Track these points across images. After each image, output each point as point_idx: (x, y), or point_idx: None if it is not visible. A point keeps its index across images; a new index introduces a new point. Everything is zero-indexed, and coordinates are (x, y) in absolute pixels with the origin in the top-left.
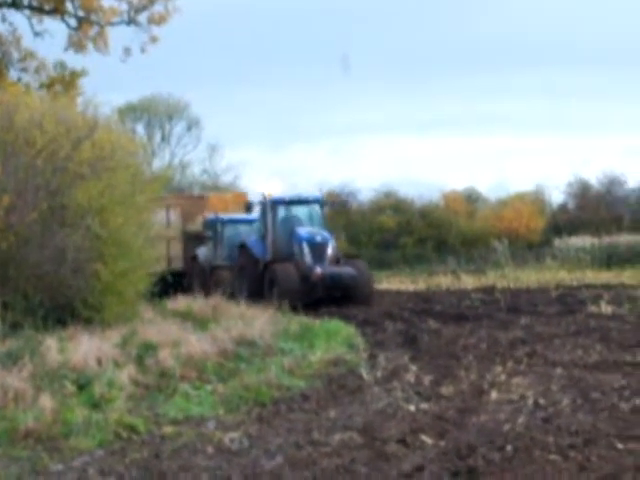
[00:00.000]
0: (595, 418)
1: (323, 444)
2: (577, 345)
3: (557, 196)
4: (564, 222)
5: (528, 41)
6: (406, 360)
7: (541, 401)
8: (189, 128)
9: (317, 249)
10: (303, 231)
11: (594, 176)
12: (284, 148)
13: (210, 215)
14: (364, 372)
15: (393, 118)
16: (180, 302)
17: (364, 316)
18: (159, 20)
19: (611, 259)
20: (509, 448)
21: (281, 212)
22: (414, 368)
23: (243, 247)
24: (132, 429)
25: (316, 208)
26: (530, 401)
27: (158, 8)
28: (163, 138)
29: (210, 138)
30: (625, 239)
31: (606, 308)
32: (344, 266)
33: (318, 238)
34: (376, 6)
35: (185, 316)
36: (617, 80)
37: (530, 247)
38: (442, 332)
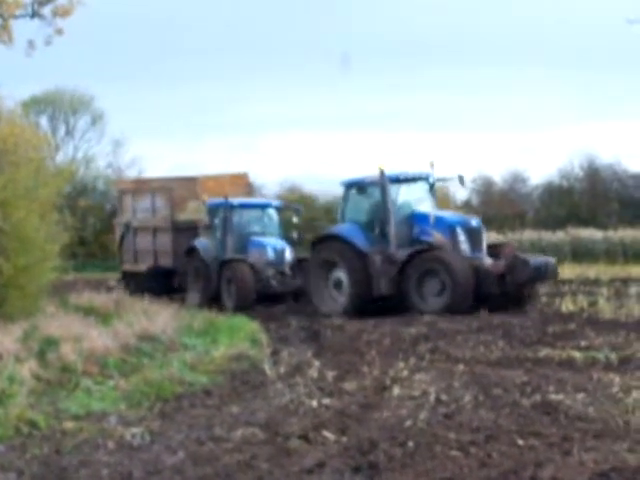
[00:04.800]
0: (496, 414)
1: (225, 440)
2: (479, 341)
3: (461, 193)
4: None
5: (435, 37)
6: (309, 356)
7: (443, 397)
8: (93, 122)
9: (474, 235)
10: (447, 214)
11: (497, 173)
12: (188, 142)
13: (213, 199)
14: (267, 368)
15: (294, 113)
16: (83, 296)
17: (268, 312)
18: (63, 13)
19: None
20: (410, 444)
21: (395, 192)
22: (317, 364)
23: (332, 238)
24: (33, 424)
25: (426, 187)
26: (432, 397)
27: (62, 1)
28: (67, 132)
29: (114, 132)
30: (528, 235)
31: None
32: (534, 255)
33: (473, 222)
34: None
35: (88, 311)
36: (513, 78)
37: None
38: (346, 328)
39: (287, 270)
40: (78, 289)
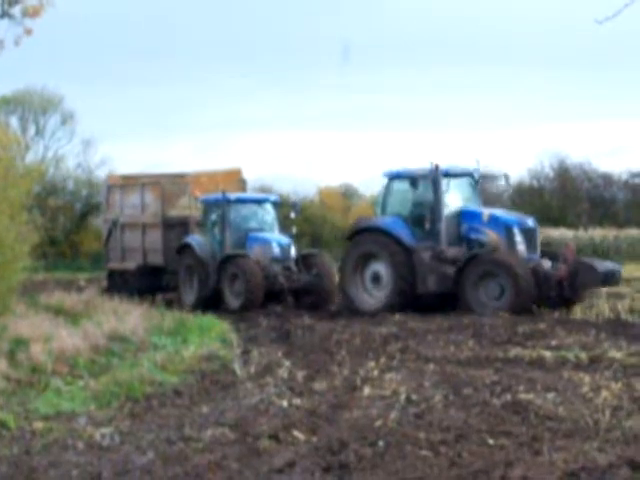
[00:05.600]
0: (467, 414)
1: (195, 440)
2: (450, 341)
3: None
4: None
5: (403, 38)
6: (279, 356)
7: (413, 397)
8: (63, 122)
9: (530, 236)
10: (501, 213)
11: None
12: (157, 143)
13: (208, 195)
14: (237, 368)
15: (266, 113)
16: (54, 296)
17: (238, 311)
18: (33, 13)
19: None
20: (381, 444)
21: (444, 187)
22: (287, 364)
23: (373, 230)
24: (2, 425)
25: (472, 183)
26: (402, 397)
27: (32, 1)
28: (37, 132)
29: (84, 132)
30: None
31: None
32: (598, 260)
33: (529, 223)
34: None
35: (58, 311)
36: (484, 77)
37: None
38: (316, 327)
39: (293, 266)
40: (48, 289)
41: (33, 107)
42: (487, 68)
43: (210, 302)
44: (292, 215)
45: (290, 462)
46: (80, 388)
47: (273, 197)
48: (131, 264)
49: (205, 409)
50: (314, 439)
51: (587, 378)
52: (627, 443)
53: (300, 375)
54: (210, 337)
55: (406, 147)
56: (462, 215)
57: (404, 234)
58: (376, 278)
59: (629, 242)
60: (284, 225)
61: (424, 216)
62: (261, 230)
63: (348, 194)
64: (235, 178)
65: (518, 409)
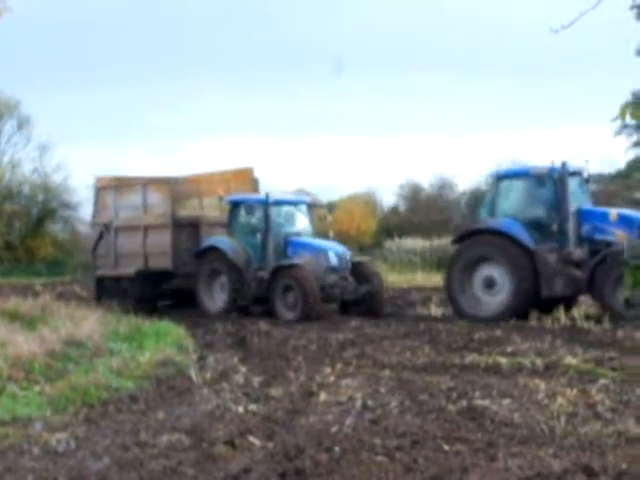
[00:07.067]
0: (422, 420)
1: (151, 446)
2: (406, 347)
3: (389, 198)
4: (395, 224)
5: (364, 43)
6: (236, 361)
7: (369, 403)
8: (19, 127)
9: None
10: (631, 212)
11: (426, 178)
12: (112, 147)
13: (239, 195)
14: (193, 373)
15: (223, 119)
16: (9, 301)
17: (194, 317)
18: None
19: (441, 261)
20: (337, 449)
21: (566, 186)
22: (243, 369)
23: (485, 232)
24: None
25: (582, 183)
26: (358, 403)
27: None
28: None
29: (41, 137)
30: None
31: (435, 310)
32: None
33: None
34: (209, 5)
35: (13, 316)
36: (441, 83)
37: (361, 249)
38: (272, 333)
39: (349, 276)
40: (3, 294)
41: None
42: (446, 74)
43: (245, 310)
44: (330, 218)
45: (246, 468)
46: (36, 393)
47: (306, 198)
48: (128, 270)
49: (161, 415)
50: (270, 445)
51: (543, 384)
52: (582, 449)
53: (256, 381)
54: (166, 343)
55: (361, 153)
56: (581, 215)
57: (523, 235)
58: (489, 283)
59: None
60: (320, 228)
61: (545, 216)
62: (298, 235)
63: None
64: (247, 177)
65: (474, 415)
